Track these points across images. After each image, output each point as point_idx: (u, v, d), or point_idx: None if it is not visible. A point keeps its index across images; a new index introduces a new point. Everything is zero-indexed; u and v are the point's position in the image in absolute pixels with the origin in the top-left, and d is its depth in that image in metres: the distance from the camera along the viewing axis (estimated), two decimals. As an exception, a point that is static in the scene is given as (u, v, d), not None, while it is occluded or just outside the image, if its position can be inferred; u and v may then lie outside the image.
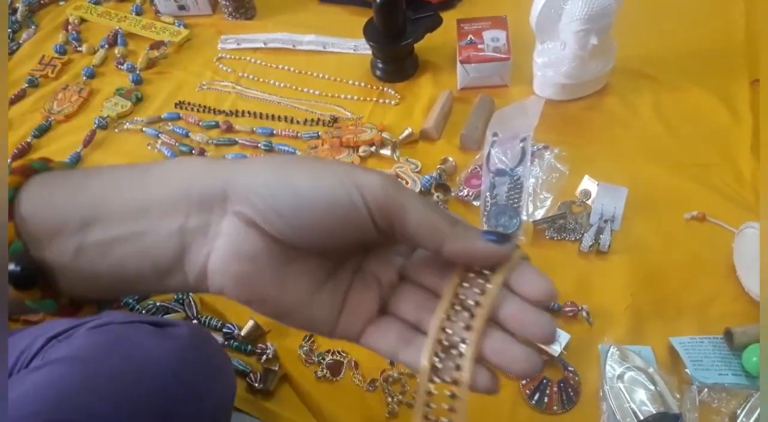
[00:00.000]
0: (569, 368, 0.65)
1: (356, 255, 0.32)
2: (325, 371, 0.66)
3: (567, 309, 0.68)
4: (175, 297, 0.73)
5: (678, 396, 0.61)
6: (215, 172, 0.28)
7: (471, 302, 0.28)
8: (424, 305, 0.30)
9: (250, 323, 0.68)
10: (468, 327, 0.28)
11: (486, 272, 0.28)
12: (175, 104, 0.98)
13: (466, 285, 0.29)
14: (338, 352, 0.68)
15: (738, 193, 0.80)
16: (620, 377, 0.63)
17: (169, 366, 0.49)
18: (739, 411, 0.60)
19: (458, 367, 0.27)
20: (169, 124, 0.95)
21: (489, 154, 0.80)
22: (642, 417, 0.59)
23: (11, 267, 0.27)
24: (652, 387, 0.61)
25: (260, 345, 0.68)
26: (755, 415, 0.59)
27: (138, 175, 0.29)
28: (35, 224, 0.28)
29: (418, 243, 0.28)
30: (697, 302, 0.70)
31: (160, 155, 0.90)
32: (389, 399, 0.64)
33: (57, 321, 0.59)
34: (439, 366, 0.28)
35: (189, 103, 0.97)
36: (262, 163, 0.28)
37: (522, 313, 0.27)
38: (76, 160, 0.91)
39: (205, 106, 0.96)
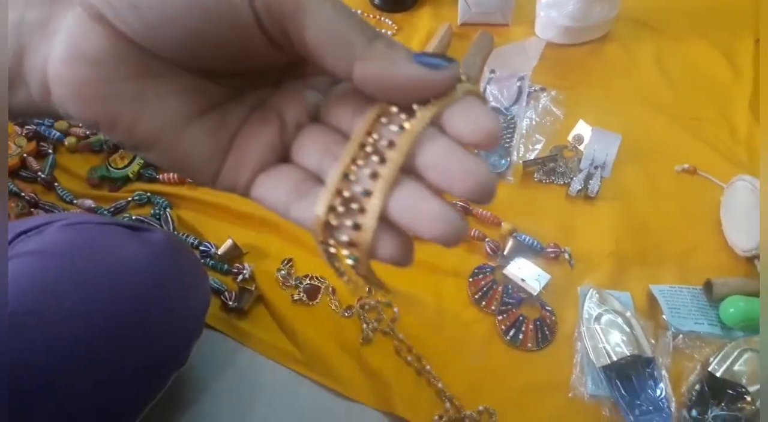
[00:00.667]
0: (547, 307, 0.65)
1: (258, 87, 0.26)
2: (301, 295, 0.65)
3: (549, 250, 0.68)
4: (152, 212, 0.71)
5: (653, 341, 0.62)
6: None
7: (384, 143, 0.21)
8: (331, 149, 0.23)
9: (228, 242, 0.67)
10: (375, 175, 0.21)
11: (415, 107, 0.21)
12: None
13: (384, 121, 0.22)
14: (316, 278, 0.66)
15: (731, 149, 0.79)
16: (597, 318, 0.63)
17: (144, 270, 0.47)
18: (711, 359, 0.60)
19: (357, 226, 0.21)
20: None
21: (484, 91, 0.77)
22: (615, 358, 0.59)
23: None
24: (628, 330, 0.61)
25: (237, 265, 0.66)
26: (727, 363, 0.59)
27: None
28: None
29: (322, 63, 0.21)
30: (680, 252, 0.70)
31: None
32: (364, 326, 0.63)
33: (26, 219, 0.56)
34: (334, 222, 0.22)
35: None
36: None
37: (446, 157, 0.20)
38: None
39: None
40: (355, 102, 0.23)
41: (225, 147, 0.24)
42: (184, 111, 0.23)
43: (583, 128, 0.77)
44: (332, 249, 0.23)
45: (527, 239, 0.68)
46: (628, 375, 0.60)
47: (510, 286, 0.66)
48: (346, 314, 0.64)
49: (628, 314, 0.63)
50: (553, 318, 0.64)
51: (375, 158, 0.21)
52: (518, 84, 0.77)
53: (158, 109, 0.22)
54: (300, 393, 0.60)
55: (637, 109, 0.82)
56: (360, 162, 0.22)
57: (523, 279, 0.65)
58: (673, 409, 0.58)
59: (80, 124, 0.23)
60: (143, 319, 0.47)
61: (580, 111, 0.80)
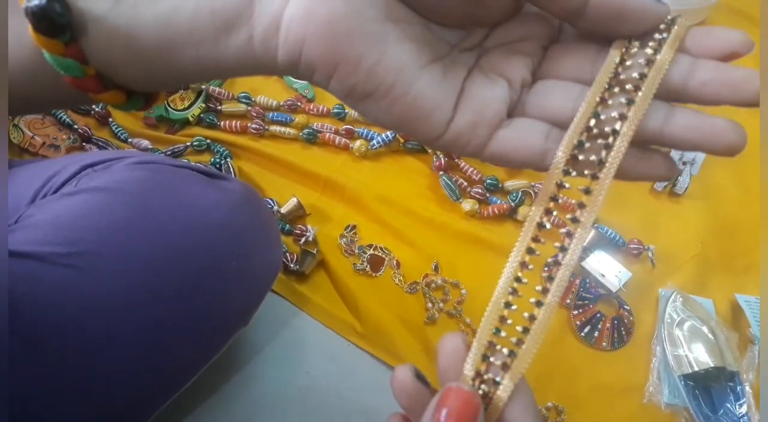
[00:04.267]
0: (625, 306, 0.61)
1: (474, 45, 0.25)
2: (365, 264, 0.61)
3: (632, 246, 0.63)
4: (211, 161, 0.67)
5: (737, 354, 0.57)
6: None
7: (635, 75, 0.21)
8: (581, 96, 0.23)
9: (293, 201, 0.62)
10: (630, 102, 0.21)
11: (655, 38, 0.22)
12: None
13: (628, 62, 0.22)
14: (381, 248, 0.62)
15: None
16: (680, 324, 0.58)
17: (221, 219, 0.43)
18: (799, 379, 0.56)
19: (600, 162, 0.21)
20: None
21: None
22: (697, 368, 0.55)
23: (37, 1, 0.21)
24: (713, 340, 0.57)
25: (299, 226, 0.62)
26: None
27: None
28: None
29: None
30: (768, 263, 0.65)
31: None
32: (429, 305, 0.59)
33: (92, 153, 0.52)
34: (580, 157, 0.22)
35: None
36: None
37: (720, 72, 0.21)
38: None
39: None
40: (586, 51, 0.24)
41: (455, 97, 0.23)
42: (418, 57, 0.22)
43: (674, 119, 0.72)
44: (567, 185, 0.23)
45: (609, 231, 0.63)
46: (708, 387, 0.56)
47: (588, 280, 0.62)
48: (410, 291, 0.60)
49: (713, 323, 0.59)
50: (631, 318, 0.60)
51: (629, 86, 0.21)
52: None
53: (398, 53, 0.22)
54: (357, 367, 0.56)
55: (728, 107, 0.76)
56: (609, 101, 0.22)
57: (602, 274, 0.61)
58: (754, 427, 0.54)
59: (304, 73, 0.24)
60: (217, 272, 0.43)
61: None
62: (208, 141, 0.68)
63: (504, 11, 0.24)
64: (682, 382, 0.55)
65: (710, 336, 0.57)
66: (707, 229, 0.66)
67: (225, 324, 0.45)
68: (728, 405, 0.56)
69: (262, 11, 0.22)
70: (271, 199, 0.64)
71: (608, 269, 0.62)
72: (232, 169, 0.65)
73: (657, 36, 0.22)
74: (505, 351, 0.22)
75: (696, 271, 0.64)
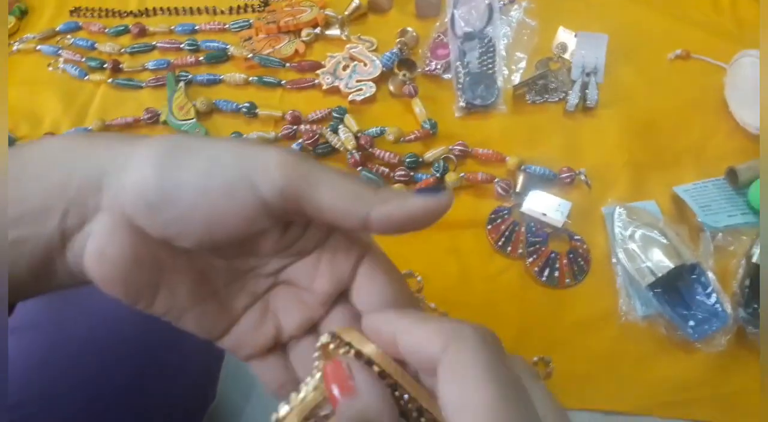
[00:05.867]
0: (575, 237, 0.61)
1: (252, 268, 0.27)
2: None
3: (563, 175, 0.63)
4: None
5: (692, 245, 0.58)
6: (95, 156, 0.24)
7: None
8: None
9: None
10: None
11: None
12: (70, 12, 0.81)
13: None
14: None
15: (718, 25, 0.74)
16: (631, 237, 0.59)
17: (138, 321, 0.41)
18: (753, 249, 0.58)
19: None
20: (69, 36, 0.79)
21: (452, 17, 0.70)
22: (660, 274, 0.56)
23: None
24: (665, 242, 0.58)
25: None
26: (770, 251, 0.57)
27: (12, 169, 0.24)
28: None
29: (337, 222, 0.23)
30: (694, 145, 0.66)
31: (65, 76, 0.75)
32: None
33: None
34: None
35: (87, 9, 0.81)
36: (146, 149, 0.23)
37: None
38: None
39: (106, 10, 0.81)
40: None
41: (226, 327, 0.26)
42: (191, 298, 0.25)
43: (564, 35, 0.71)
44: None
45: (537, 169, 0.63)
46: (676, 287, 0.57)
47: (532, 224, 0.61)
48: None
49: (661, 224, 0.59)
50: (585, 246, 0.60)
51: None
52: (486, 1, 0.69)
53: (169, 296, 0.25)
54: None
55: (613, 3, 0.76)
56: None
57: (544, 213, 0.61)
58: (728, 310, 0.55)
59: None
60: (156, 370, 0.41)
61: (556, 16, 0.73)
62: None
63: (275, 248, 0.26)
64: (650, 292, 0.56)
65: (662, 239, 0.58)
66: (629, 134, 0.66)
67: (182, 410, 0.44)
68: (698, 298, 0.57)
69: (70, 263, 0.24)
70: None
71: (548, 206, 0.61)
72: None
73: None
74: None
75: (631, 178, 0.64)
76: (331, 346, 0.22)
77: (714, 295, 0.56)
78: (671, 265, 0.56)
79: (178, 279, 0.25)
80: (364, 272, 0.26)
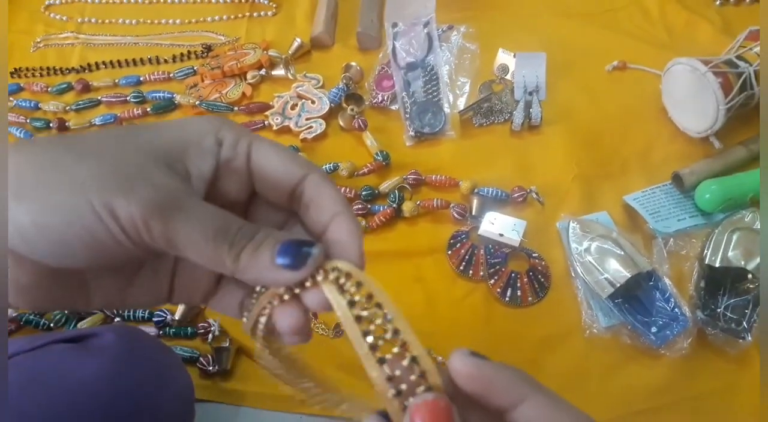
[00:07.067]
0: (534, 255, 0.62)
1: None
2: (282, 330, 0.59)
3: (515, 195, 0.64)
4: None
5: (646, 253, 0.60)
6: None
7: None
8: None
9: (181, 305, 0.59)
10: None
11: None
12: (11, 73, 0.80)
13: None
14: (290, 306, 0.60)
15: (650, 34, 0.77)
16: (587, 250, 0.60)
17: (101, 387, 0.40)
18: (705, 251, 0.59)
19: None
20: (11, 99, 0.78)
21: (393, 48, 0.71)
22: (618, 284, 0.57)
23: None
24: (620, 252, 0.59)
25: (201, 324, 0.59)
26: (720, 251, 0.58)
27: None
28: None
29: (199, 262, 0.24)
30: (638, 152, 0.68)
31: (11, 138, 0.74)
32: (360, 340, 0.58)
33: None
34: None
35: (27, 69, 0.80)
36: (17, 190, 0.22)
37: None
38: None
39: (47, 68, 0.80)
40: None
41: (167, 290, 0.28)
42: (123, 282, 0.27)
43: (504, 57, 0.73)
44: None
45: (490, 191, 0.64)
46: (635, 295, 0.58)
47: (490, 246, 0.62)
48: (336, 334, 0.59)
49: (615, 235, 0.60)
50: (544, 263, 0.61)
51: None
52: (425, 30, 0.71)
53: (102, 289, 0.27)
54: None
55: (549, 21, 0.78)
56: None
57: (500, 234, 0.62)
58: (687, 313, 0.56)
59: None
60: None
61: (495, 39, 0.75)
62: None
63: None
64: (611, 303, 0.57)
65: (617, 249, 0.59)
66: (575, 147, 0.68)
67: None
68: (658, 304, 0.58)
69: None
70: (163, 310, 0.60)
71: (504, 226, 0.62)
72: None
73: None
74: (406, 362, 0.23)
75: (581, 191, 0.65)
76: (319, 278, 0.24)
77: (672, 300, 0.57)
78: (628, 275, 0.57)
79: (103, 274, 0.26)
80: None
